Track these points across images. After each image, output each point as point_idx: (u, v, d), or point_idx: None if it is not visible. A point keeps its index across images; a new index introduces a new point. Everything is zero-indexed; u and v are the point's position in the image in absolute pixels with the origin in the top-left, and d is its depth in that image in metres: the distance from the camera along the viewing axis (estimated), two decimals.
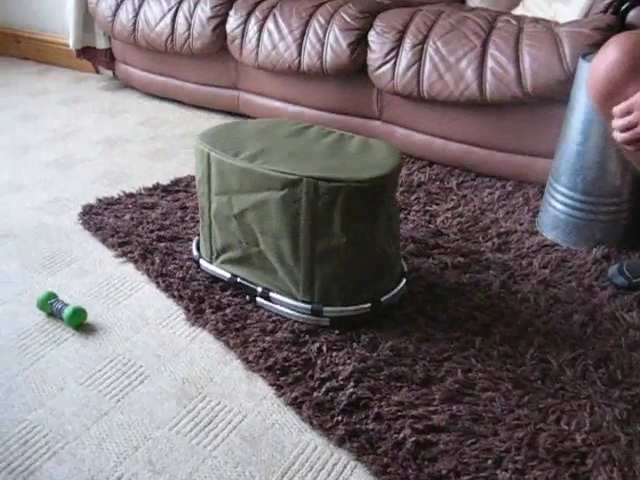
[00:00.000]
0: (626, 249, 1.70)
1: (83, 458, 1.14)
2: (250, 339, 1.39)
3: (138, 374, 1.32)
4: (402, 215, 1.85)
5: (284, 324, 1.43)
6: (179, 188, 2.02)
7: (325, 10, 2.20)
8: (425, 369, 1.31)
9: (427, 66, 1.98)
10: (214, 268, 1.56)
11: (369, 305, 1.42)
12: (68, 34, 2.86)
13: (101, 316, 1.49)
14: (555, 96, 1.82)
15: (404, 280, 1.51)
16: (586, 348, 1.37)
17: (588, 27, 1.80)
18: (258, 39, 2.27)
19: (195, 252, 1.62)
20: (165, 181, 2.06)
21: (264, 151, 1.42)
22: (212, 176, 1.46)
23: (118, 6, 2.59)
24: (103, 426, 1.20)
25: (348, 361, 1.33)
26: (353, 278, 1.41)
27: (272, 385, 1.29)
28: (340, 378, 1.28)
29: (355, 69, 2.13)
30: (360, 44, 2.10)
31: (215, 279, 1.57)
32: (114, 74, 2.95)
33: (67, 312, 1.44)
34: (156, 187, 2.02)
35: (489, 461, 1.12)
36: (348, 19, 2.14)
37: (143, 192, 1.99)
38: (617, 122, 1.26)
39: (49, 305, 1.47)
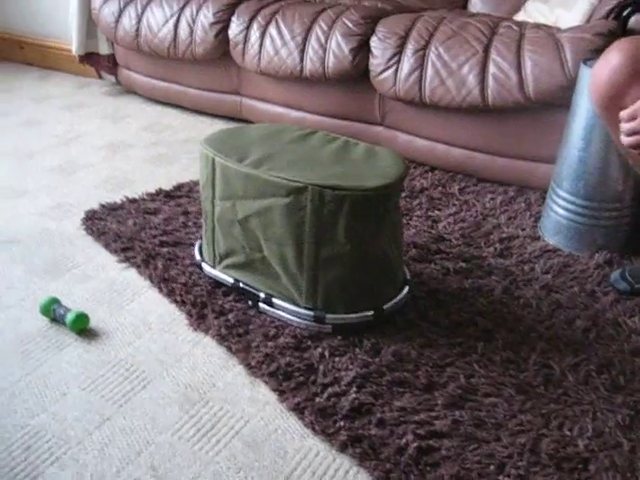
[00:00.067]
0: (628, 254, 1.70)
1: (86, 463, 1.14)
2: (253, 344, 1.39)
3: (141, 379, 1.33)
4: (404, 220, 1.86)
5: (286, 329, 1.43)
6: (182, 193, 2.02)
7: (327, 16, 2.21)
8: (427, 375, 1.31)
9: (429, 72, 1.98)
10: (217, 272, 1.56)
11: (372, 313, 1.42)
12: (71, 40, 2.87)
13: (104, 321, 1.49)
14: (557, 101, 1.82)
15: (407, 287, 1.51)
16: (589, 354, 1.37)
17: (590, 33, 1.81)
18: (260, 45, 2.28)
19: (198, 256, 1.62)
20: (168, 186, 2.07)
21: (269, 157, 1.42)
22: (216, 181, 1.46)
23: (121, 12, 2.60)
24: (106, 431, 1.20)
25: (350, 366, 1.33)
26: (356, 285, 1.41)
27: (274, 390, 1.29)
28: (342, 383, 1.28)
29: (357, 75, 2.14)
30: (362, 50, 2.11)
31: (217, 284, 1.57)
32: (117, 79, 2.96)
33: (70, 317, 1.44)
34: (159, 192, 2.02)
35: (491, 467, 1.12)
36: (350, 25, 2.14)
37: (146, 197, 1.99)
38: (624, 126, 1.27)
39: (52, 310, 1.47)
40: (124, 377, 1.33)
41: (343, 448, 1.16)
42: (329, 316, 1.41)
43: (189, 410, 1.25)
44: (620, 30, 1.84)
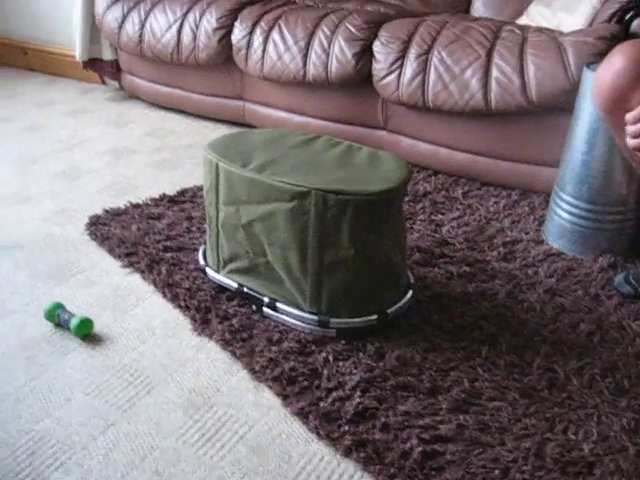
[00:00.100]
0: (632, 258, 1.70)
1: (90, 468, 1.14)
2: (257, 349, 1.39)
3: (145, 384, 1.33)
4: (408, 224, 1.86)
5: (290, 334, 1.43)
6: (185, 198, 2.02)
7: (330, 21, 2.22)
8: (431, 379, 1.31)
9: (432, 76, 1.98)
10: (221, 277, 1.56)
11: (376, 317, 1.42)
12: (74, 46, 2.88)
13: (108, 326, 1.49)
14: (560, 105, 1.83)
15: (411, 291, 1.51)
16: (593, 357, 1.37)
17: (592, 36, 1.81)
18: (263, 50, 2.28)
19: (202, 261, 1.62)
20: (171, 191, 2.07)
21: (272, 162, 1.42)
22: (220, 186, 1.46)
23: (124, 18, 2.61)
24: (110, 436, 1.21)
25: (354, 371, 1.33)
26: (360, 289, 1.41)
27: (279, 395, 1.29)
28: (347, 388, 1.28)
29: (360, 79, 2.14)
30: (365, 54, 2.11)
31: (221, 289, 1.57)
32: (120, 85, 2.97)
33: (74, 322, 1.44)
34: (162, 197, 2.03)
35: (496, 471, 1.12)
36: (353, 29, 2.15)
37: (149, 202, 2.00)
38: (629, 128, 1.27)
39: (56, 315, 1.47)
40: (128, 382, 1.33)
41: (347, 453, 1.16)
42: (333, 320, 1.41)
43: (193, 415, 1.25)
44: (623, 33, 1.84)
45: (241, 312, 1.50)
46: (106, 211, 1.95)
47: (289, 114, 2.39)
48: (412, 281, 1.55)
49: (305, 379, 1.31)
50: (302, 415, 1.24)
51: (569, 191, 1.69)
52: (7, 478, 1.12)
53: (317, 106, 2.29)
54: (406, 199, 1.99)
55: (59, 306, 1.49)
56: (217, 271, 1.57)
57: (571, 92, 1.75)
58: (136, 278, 1.66)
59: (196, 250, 1.72)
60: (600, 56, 1.69)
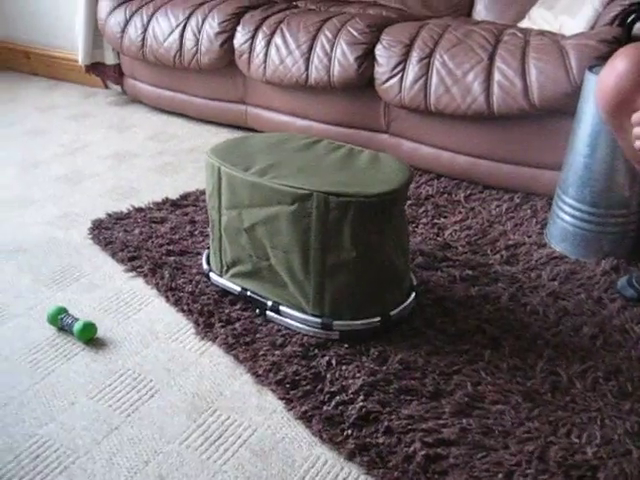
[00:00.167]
0: (635, 261, 1.70)
1: (94, 473, 1.14)
2: (260, 353, 1.39)
3: (148, 388, 1.33)
4: (410, 228, 1.86)
5: (293, 338, 1.43)
6: (188, 202, 2.03)
7: (332, 24, 2.22)
8: (435, 382, 1.31)
9: (434, 79, 1.99)
10: (224, 281, 1.56)
11: (379, 319, 1.43)
12: (77, 50, 2.89)
13: (111, 330, 1.49)
14: (562, 108, 1.83)
15: (414, 294, 1.51)
16: (596, 360, 1.37)
17: (594, 39, 1.81)
18: (266, 54, 2.28)
19: (205, 265, 1.62)
20: (174, 195, 2.07)
21: (274, 165, 1.43)
22: (222, 190, 1.46)
23: (127, 22, 2.62)
24: (113, 440, 1.21)
25: (358, 375, 1.33)
26: (363, 292, 1.41)
27: (282, 399, 1.29)
28: (350, 392, 1.28)
29: (362, 83, 2.14)
30: (367, 58, 2.12)
31: (224, 293, 1.57)
32: (123, 89, 2.97)
33: (77, 327, 1.44)
34: (165, 201, 2.03)
35: (500, 475, 1.11)
36: (355, 33, 2.15)
37: (152, 206, 2.00)
38: (637, 130, 1.27)
39: (59, 320, 1.47)
40: (132, 386, 1.33)
41: (351, 456, 1.16)
42: (336, 323, 1.41)
43: (197, 419, 1.25)
44: (625, 37, 1.84)
45: (244, 316, 1.50)
46: (109, 215, 1.95)
47: (291, 118, 2.39)
48: (415, 283, 1.55)
49: (308, 383, 1.31)
50: (305, 419, 1.24)
51: (571, 194, 1.69)
52: None
53: (319, 110, 2.30)
54: (408, 202, 1.99)
55: (62, 310, 1.49)
56: (220, 275, 1.57)
57: (573, 95, 1.76)
58: (139, 282, 1.66)
59: (199, 254, 1.72)
60: (602, 59, 1.69)
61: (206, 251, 1.67)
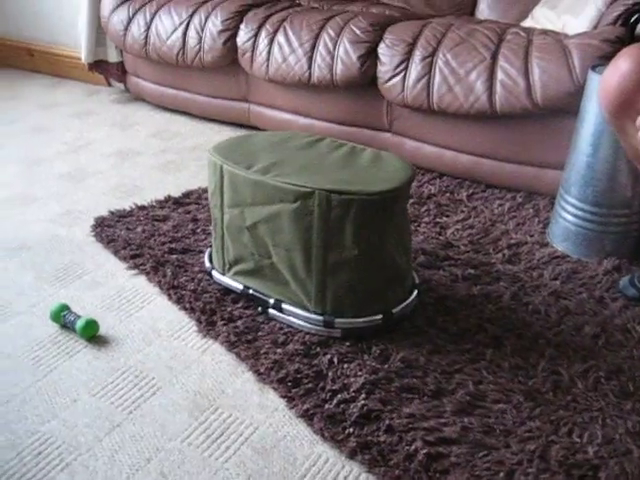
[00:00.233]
0: (637, 261, 1.70)
1: (96, 470, 1.15)
2: (261, 351, 1.40)
3: (150, 386, 1.33)
4: (412, 227, 1.86)
5: (295, 336, 1.44)
6: (190, 200, 2.03)
7: (335, 23, 2.22)
8: (436, 381, 1.31)
9: (437, 78, 1.98)
10: (227, 279, 1.57)
11: (381, 317, 1.43)
12: (80, 48, 2.89)
13: (113, 328, 1.50)
14: (565, 108, 1.83)
15: (415, 291, 1.51)
16: (597, 360, 1.37)
17: (597, 39, 1.81)
18: (269, 52, 2.29)
19: (208, 264, 1.62)
20: (176, 193, 2.08)
21: (276, 164, 1.43)
22: (225, 188, 1.47)
23: (130, 20, 2.62)
24: (115, 438, 1.21)
25: (359, 373, 1.33)
26: (365, 289, 1.41)
27: (283, 397, 1.29)
28: (351, 390, 1.29)
29: (365, 81, 2.14)
30: (370, 57, 2.12)
31: (226, 291, 1.57)
32: (125, 87, 2.97)
33: (80, 324, 1.45)
34: (167, 199, 2.03)
35: (501, 474, 1.12)
36: (358, 32, 2.15)
37: (155, 204, 2.00)
38: None
39: (62, 317, 1.48)
40: (134, 384, 1.34)
41: (352, 455, 1.16)
42: (338, 321, 1.41)
43: (198, 417, 1.26)
44: (628, 36, 1.84)
45: (246, 314, 1.50)
46: (111, 213, 1.95)
47: (294, 116, 2.39)
48: (417, 282, 1.55)
49: (310, 381, 1.31)
50: (307, 417, 1.24)
51: (574, 193, 1.69)
52: (13, 479, 1.12)
53: (322, 108, 2.30)
54: (411, 201, 1.99)
55: (65, 307, 1.49)
56: (223, 273, 1.58)
57: (576, 95, 1.76)
58: (141, 280, 1.67)
59: (201, 252, 1.73)
60: (605, 59, 1.69)
61: (208, 249, 1.67)
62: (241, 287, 1.53)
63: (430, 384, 1.30)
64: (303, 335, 1.43)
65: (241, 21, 2.39)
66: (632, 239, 1.71)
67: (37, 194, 2.12)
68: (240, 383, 1.34)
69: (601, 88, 1.37)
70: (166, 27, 2.52)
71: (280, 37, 2.27)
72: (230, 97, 2.56)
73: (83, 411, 1.27)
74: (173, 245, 1.76)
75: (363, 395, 1.27)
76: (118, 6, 2.67)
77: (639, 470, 1.12)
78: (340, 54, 2.15)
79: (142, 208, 1.98)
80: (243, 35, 2.36)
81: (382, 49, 2.10)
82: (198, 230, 1.85)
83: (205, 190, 2.07)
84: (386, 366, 1.35)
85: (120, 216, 1.93)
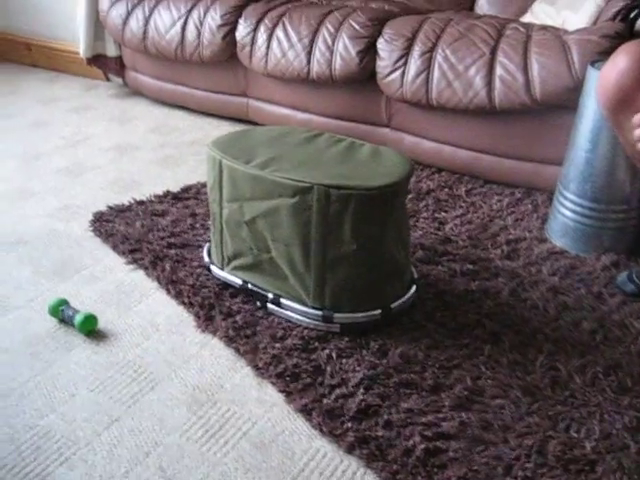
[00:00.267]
0: (635, 256, 1.70)
1: (94, 464, 1.15)
2: (260, 346, 1.40)
3: (149, 380, 1.33)
4: (411, 222, 1.86)
5: (294, 331, 1.44)
6: (189, 195, 2.03)
7: (334, 18, 2.22)
8: (434, 376, 1.31)
9: (436, 74, 1.98)
10: (225, 274, 1.57)
11: (379, 311, 1.43)
12: (79, 42, 2.88)
13: (112, 323, 1.50)
14: (564, 103, 1.83)
15: (414, 287, 1.51)
16: (595, 355, 1.37)
17: (597, 35, 1.81)
18: (267, 47, 2.28)
19: (206, 258, 1.63)
20: (175, 188, 2.08)
21: (275, 158, 1.43)
22: (224, 183, 1.46)
23: (129, 14, 2.61)
24: (114, 432, 1.21)
25: (358, 368, 1.33)
26: (363, 285, 1.41)
27: (282, 392, 1.29)
28: (350, 385, 1.29)
29: (364, 77, 2.14)
30: (369, 52, 2.11)
31: (225, 286, 1.57)
32: (124, 82, 2.97)
33: (78, 319, 1.45)
34: (166, 194, 2.03)
35: (499, 469, 1.12)
36: (357, 27, 2.15)
37: (153, 199, 2.00)
38: (638, 132, 1.26)
39: (60, 311, 1.48)
40: (132, 378, 1.34)
41: (350, 449, 1.17)
42: (337, 315, 1.41)
43: (197, 411, 1.26)
44: (627, 32, 1.84)
45: (245, 309, 1.51)
46: (110, 207, 1.95)
47: (293, 111, 2.39)
48: (416, 277, 1.55)
49: (308, 376, 1.31)
50: (305, 412, 1.24)
51: (572, 189, 1.69)
52: (12, 473, 1.12)
53: (321, 103, 2.30)
54: (409, 197, 1.99)
55: (63, 302, 1.49)
56: (221, 268, 1.58)
57: (575, 90, 1.75)
58: (140, 274, 1.67)
59: (200, 247, 1.73)
60: (604, 54, 1.69)
61: (207, 244, 1.67)
62: (240, 282, 1.53)
63: (428, 379, 1.30)
64: (302, 330, 1.44)
65: (240, 16, 2.39)
66: (630, 235, 1.71)
67: (35, 189, 2.11)
68: (239, 378, 1.34)
69: (599, 85, 1.37)
70: (165, 21, 2.51)
71: (279, 32, 2.27)
72: (229, 92, 2.55)
73: (82, 405, 1.27)
74: (172, 240, 1.76)
75: (361, 390, 1.27)
76: (117, 0, 2.66)
77: (636, 465, 1.13)
78: (339, 49, 2.14)
79: (140, 203, 1.97)
80: (242, 30, 2.35)
81: (381, 44, 2.10)
82: (197, 225, 1.85)
83: (204, 185, 2.06)
84: (384, 361, 1.35)
85: (118, 211, 1.93)
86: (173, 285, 1.59)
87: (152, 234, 1.79)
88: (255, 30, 2.32)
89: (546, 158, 1.95)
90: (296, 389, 1.29)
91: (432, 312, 1.50)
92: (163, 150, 2.40)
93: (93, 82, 3.15)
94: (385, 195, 1.35)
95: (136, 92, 2.94)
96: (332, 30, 2.18)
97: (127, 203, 1.97)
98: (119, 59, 2.87)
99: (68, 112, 2.78)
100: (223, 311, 1.50)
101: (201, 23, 2.43)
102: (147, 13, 2.57)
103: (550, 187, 1.91)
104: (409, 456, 1.14)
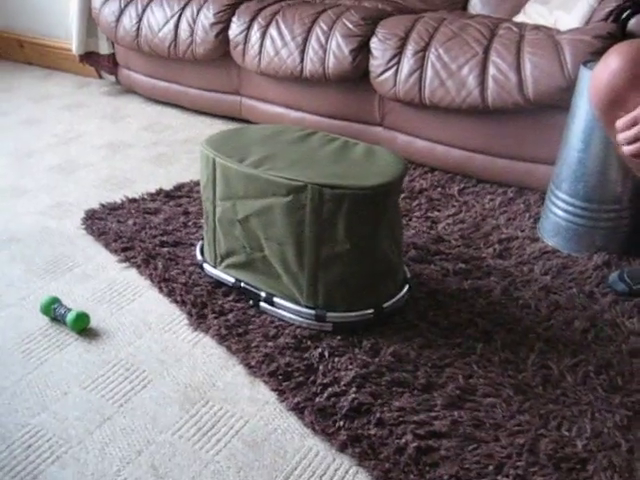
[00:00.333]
0: (627, 256, 1.71)
1: (86, 462, 1.15)
2: (252, 344, 1.40)
3: (141, 379, 1.33)
4: (404, 221, 1.86)
5: (286, 329, 1.44)
6: (182, 193, 2.02)
7: (327, 17, 2.22)
8: (426, 375, 1.32)
9: (429, 73, 1.99)
10: (218, 272, 1.57)
11: (372, 311, 1.43)
12: (71, 39, 2.87)
13: (104, 321, 1.49)
14: (556, 103, 1.83)
15: (407, 286, 1.51)
16: (587, 354, 1.38)
17: (589, 35, 1.81)
18: (261, 45, 2.28)
19: (199, 256, 1.62)
20: (168, 186, 2.07)
21: (269, 157, 1.43)
22: (217, 181, 1.46)
23: (121, 12, 2.60)
24: (106, 430, 1.21)
25: (350, 367, 1.33)
26: (356, 284, 1.41)
27: (274, 390, 1.29)
28: (342, 384, 1.29)
29: (357, 75, 2.14)
30: (362, 51, 2.11)
31: (218, 284, 1.57)
32: (117, 79, 2.96)
33: (70, 317, 1.44)
34: (159, 192, 2.03)
35: (490, 467, 1.12)
36: (350, 26, 2.15)
37: (146, 197, 2.00)
38: (622, 135, 1.26)
39: (52, 310, 1.47)
40: (124, 377, 1.34)
41: (343, 448, 1.17)
42: (330, 314, 1.42)
43: (189, 410, 1.26)
44: (620, 32, 1.84)
45: (237, 307, 1.50)
46: (102, 205, 1.95)
47: (286, 110, 2.39)
48: (408, 276, 1.55)
49: (301, 374, 1.31)
50: (298, 410, 1.24)
51: (565, 189, 1.70)
52: (3, 472, 1.12)
53: (314, 102, 2.29)
54: (402, 196, 2.00)
55: (55, 300, 1.49)
56: (214, 266, 1.58)
57: (567, 90, 1.76)
58: (132, 273, 1.66)
59: (192, 245, 1.72)
60: (597, 54, 1.69)
61: (200, 242, 1.67)
62: (232, 280, 1.53)
63: (420, 378, 1.31)
64: (294, 329, 1.44)
65: (233, 14, 2.39)
66: (622, 234, 1.71)
67: (27, 186, 2.11)
68: (231, 376, 1.34)
69: (591, 85, 1.37)
70: (158, 19, 2.51)
71: (272, 30, 2.26)
72: (222, 90, 2.55)
73: (74, 404, 1.27)
74: (164, 238, 1.76)
75: (354, 389, 1.28)
76: None
77: (627, 463, 1.13)
78: (332, 48, 2.14)
79: (133, 201, 1.97)
80: (235, 28, 2.35)
81: (374, 43, 2.10)
82: (189, 223, 1.84)
83: (197, 183, 2.06)
84: (377, 360, 1.35)
85: (111, 209, 1.93)
86: (165, 283, 1.59)
87: (144, 232, 1.78)
88: (248, 28, 2.32)
89: (538, 158, 1.95)
90: (288, 388, 1.29)
91: (424, 311, 1.50)
92: (156, 148, 2.40)
93: (86, 79, 3.14)
94: (379, 195, 1.35)
95: (129, 90, 2.93)
96: (325, 29, 2.18)
97: (119, 201, 1.97)
98: (112, 56, 2.86)
99: (61, 109, 2.77)
100: (215, 309, 1.50)
101: (194, 21, 2.43)
102: (140, 10, 2.56)
103: (542, 186, 1.92)
104: (401, 454, 1.14)
